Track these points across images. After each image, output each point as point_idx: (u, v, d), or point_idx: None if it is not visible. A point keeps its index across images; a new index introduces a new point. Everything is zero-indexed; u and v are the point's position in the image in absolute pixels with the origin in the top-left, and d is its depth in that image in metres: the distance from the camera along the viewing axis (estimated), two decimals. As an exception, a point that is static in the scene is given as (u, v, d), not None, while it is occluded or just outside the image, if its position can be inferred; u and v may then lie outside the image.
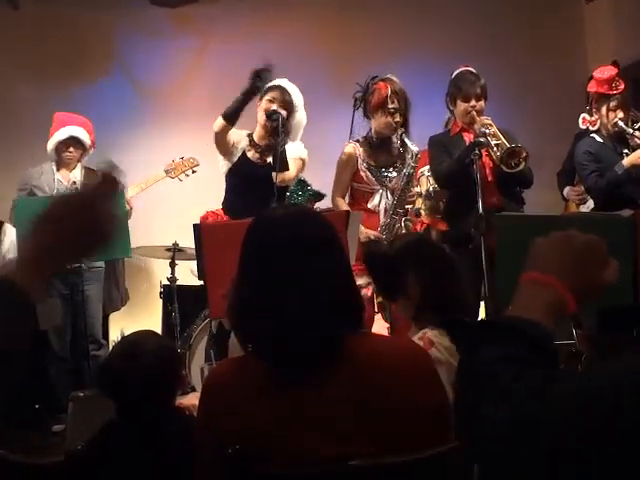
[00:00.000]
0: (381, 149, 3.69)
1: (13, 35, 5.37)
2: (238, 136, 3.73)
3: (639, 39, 5.10)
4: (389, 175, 3.67)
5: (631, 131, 3.92)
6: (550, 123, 5.30)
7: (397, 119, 3.59)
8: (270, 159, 3.64)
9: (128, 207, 4.00)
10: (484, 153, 3.64)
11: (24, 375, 0.83)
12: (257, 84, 3.53)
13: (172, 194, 5.10)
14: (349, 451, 1.27)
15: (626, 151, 3.96)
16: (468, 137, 3.71)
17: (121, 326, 4.17)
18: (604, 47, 5.51)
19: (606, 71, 4.06)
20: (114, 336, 4.36)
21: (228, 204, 3.72)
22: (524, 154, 3.53)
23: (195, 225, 2.98)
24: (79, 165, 4.26)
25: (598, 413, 0.65)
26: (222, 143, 3.67)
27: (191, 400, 2.05)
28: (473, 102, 3.69)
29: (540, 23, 5.73)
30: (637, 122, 3.96)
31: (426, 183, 4.53)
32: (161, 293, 4.37)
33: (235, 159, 3.69)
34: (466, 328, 0.91)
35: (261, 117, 3.64)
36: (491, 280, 3.16)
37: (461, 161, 3.58)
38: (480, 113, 3.69)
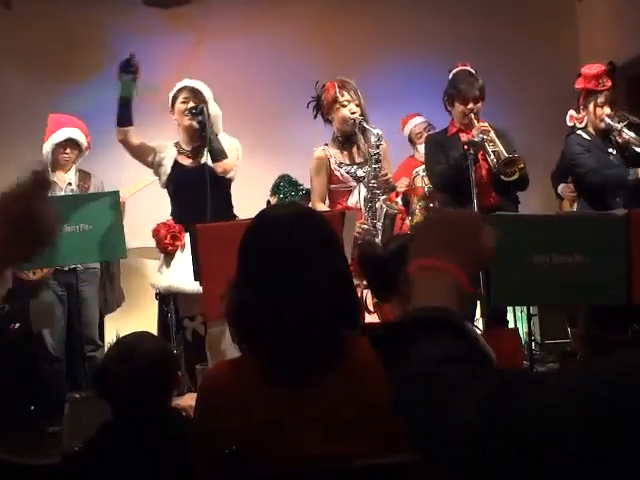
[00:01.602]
0: (349, 146, 3.69)
1: (6, 34, 5.36)
2: (163, 148, 3.75)
3: (632, 38, 5.11)
4: (362, 170, 3.66)
5: (619, 127, 3.91)
6: (542, 121, 5.32)
7: (353, 109, 3.59)
8: (203, 159, 3.64)
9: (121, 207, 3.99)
10: (481, 158, 3.64)
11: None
12: (124, 76, 3.59)
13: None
14: (348, 451, 1.27)
15: (610, 150, 3.96)
16: (465, 137, 3.71)
17: (117, 327, 4.16)
18: (597, 46, 5.53)
19: (594, 67, 4.07)
20: (110, 337, 4.35)
21: (175, 212, 3.72)
22: (521, 164, 3.53)
23: (190, 226, 2.98)
24: (73, 167, 4.25)
25: (592, 414, 0.64)
26: (134, 150, 3.71)
27: (187, 401, 2.05)
28: (471, 105, 3.69)
29: (533, 22, 5.75)
30: (624, 120, 3.96)
31: (421, 183, 4.54)
32: (157, 294, 4.36)
33: (168, 170, 3.70)
34: (391, 331, 0.84)
35: (183, 120, 3.67)
36: (487, 279, 3.17)
37: (457, 165, 3.58)
38: (478, 115, 3.69)
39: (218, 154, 3.53)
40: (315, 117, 3.74)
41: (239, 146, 3.73)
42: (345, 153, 3.70)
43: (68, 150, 4.16)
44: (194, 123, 3.58)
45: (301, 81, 5.43)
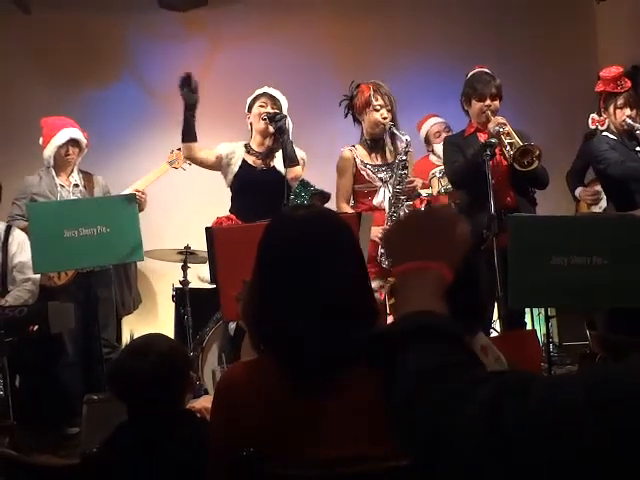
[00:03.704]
0: (376, 149, 3.76)
1: (25, 40, 5.41)
2: (229, 148, 3.87)
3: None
4: (388, 172, 3.71)
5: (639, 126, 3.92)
6: (559, 124, 5.29)
7: (384, 115, 3.65)
8: (273, 162, 3.81)
9: (142, 197, 3.99)
10: (498, 153, 3.64)
11: None
12: (188, 94, 3.70)
13: (184, 197, 5.12)
14: (365, 453, 1.27)
15: (638, 149, 3.96)
16: (483, 137, 3.71)
17: (134, 329, 4.19)
18: (615, 48, 5.48)
19: (612, 70, 4.08)
20: (126, 339, 4.38)
21: (239, 209, 3.78)
22: (537, 152, 3.52)
23: (207, 228, 3.00)
24: (76, 168, 4.27)
25: (611, 412, 0.64)
26: (202, 161, 3.88)
27: (203, 403, 2.05)
28: (488, 102, 3.71)
29: (550, 24, 5.71)
30: None
31: (437, 184, 4.53)
32: (173, 296, 4.38)
33: (236, 169, 3.81)
34: (381, 340, 0.84)
35: (258, 123, 3.80)
36: (505, 281, 3.15)
37: (472, 160, 3.59)
38: (495, 113, 3.69)
39: (291, 160, 3.61)
40: (346, 116, 3.79)
41: (305, 157, 3.85)
42: (372, 155, 3.75)
43: (70, 150, 4.18)
44: (270, 128, 3.70)
45: (317, 86, 5.45)
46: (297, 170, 3.68)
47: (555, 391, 0.68)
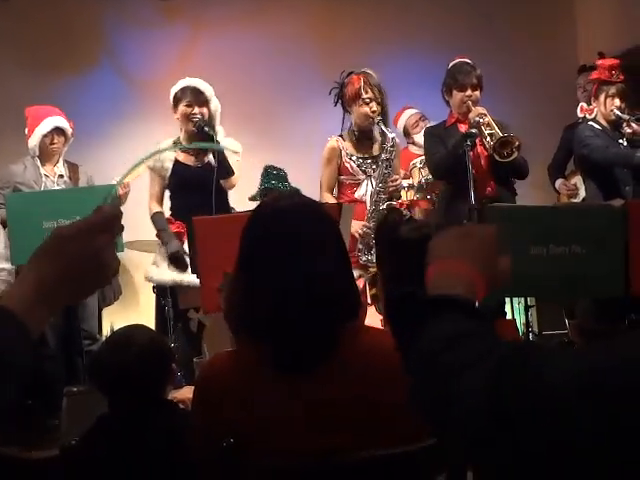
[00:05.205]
0: (364, 141, 3.73)
1: (2, 25, 5.33)
2: (162, 157, 3.77)
3: (631, 32, 5.09)
4: (373, 165, 3.69)
5: (627, 117, 3.94)
6: (539, 115, 5.31)
7: (374, 108, 3.61)
8: (207, 158, 3.71)
9: (124, 190, 3.94)
10: (478, 143, 3.65)
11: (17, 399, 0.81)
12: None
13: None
14: (346, 444, 1.27)
15: (621, 141, 3.98)
16: (463, 128, 3.72)
17: (114, 321, 4.16)
18: (595, 41, 5.51)
19: (609, 60, 4.11)
20: (107, 331, 4.35)
21: (177, 210, 3.75)
22: (517, 143, 3.54)
23: (188, 219, 2.99)
24: (61, 158, 4.22)
25: (602, 392, 0.64)
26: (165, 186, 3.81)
27: (185, 394, 2.05)
28: (469, 92, 3.71)
29: (531, 17, 5.72)
30: (634, 114, 3.98)
31: (418, 175, 4.55)
32: (154, 287, 4.35)
33: (169, 171, 3.74)
34: (409, 302, 0.85)
35: (187, 125, 3.69)
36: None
37: (453, 151, 3.60)
38: (476, 103, 3.70)
39: (227, 172, 3.59)
40: (335, 105, 3.74)
41: (239, 148, 3.75)
42: (358, 146, 3.73)
43: (56, 139, 4.11)
44: (196, 130, 3.62)
45: (300, 75, 5.42)
46: (234, 179, 3.65)
47: (548, 380, 0.68)
